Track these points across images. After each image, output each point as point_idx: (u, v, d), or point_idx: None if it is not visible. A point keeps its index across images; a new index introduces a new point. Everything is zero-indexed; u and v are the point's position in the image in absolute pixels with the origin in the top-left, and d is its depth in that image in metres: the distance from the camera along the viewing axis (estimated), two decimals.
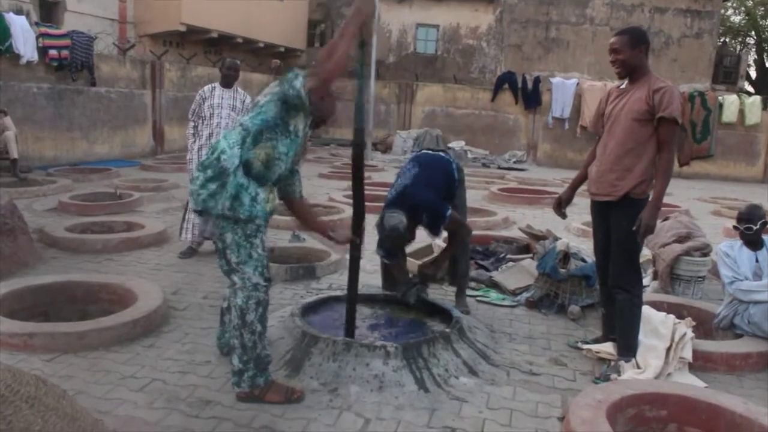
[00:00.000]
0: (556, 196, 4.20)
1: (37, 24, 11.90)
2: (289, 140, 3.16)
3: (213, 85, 6.00)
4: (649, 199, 3.60)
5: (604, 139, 3.76)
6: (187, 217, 5.89)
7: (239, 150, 3.06)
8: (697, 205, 11.25)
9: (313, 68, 3.14)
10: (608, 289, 3.91)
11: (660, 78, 3.62)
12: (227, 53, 19.34)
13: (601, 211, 3.83)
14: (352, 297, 3.76)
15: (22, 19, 10.97)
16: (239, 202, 3.05)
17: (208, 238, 5.92)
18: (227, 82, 5.93)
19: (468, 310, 4.64)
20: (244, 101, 5.98)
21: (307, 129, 3.26)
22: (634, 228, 3.51)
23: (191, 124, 5.96)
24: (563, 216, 4.15)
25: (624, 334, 3.75)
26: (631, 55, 3.57)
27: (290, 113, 3.13)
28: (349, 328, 3.74)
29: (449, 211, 4.26)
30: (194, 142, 5.89)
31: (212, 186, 3.06)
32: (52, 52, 11.39)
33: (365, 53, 3.44)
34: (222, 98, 5.86)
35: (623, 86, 3.74)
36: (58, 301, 4.43)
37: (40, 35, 11.27)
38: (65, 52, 11.58)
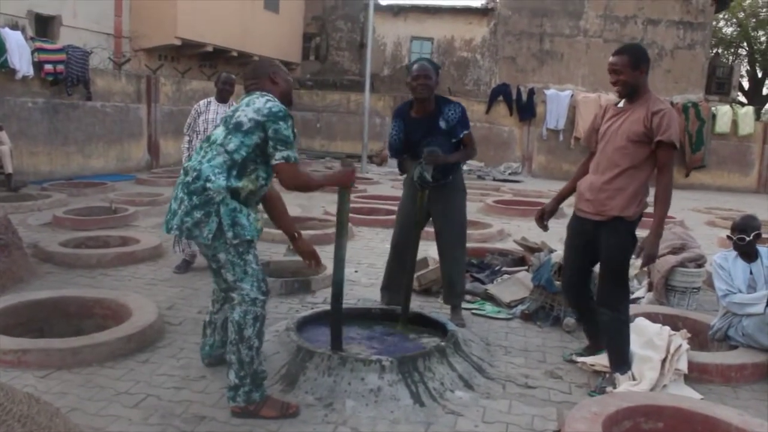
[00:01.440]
0: (539, 208, 4.17)
1: (32, 39, 11.91)
2: (267, 165, 3.20)
3: (208, 99, 5.98)
4: (641, 219, 3.60)
5: (597, 157, 3.70)
6: None
7: (225, 180, 3.05)
8: (691, 216, 11.30)
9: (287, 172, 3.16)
10: (582, 304, 3.96)
11: (659, 98, 3.56)
12: (222, 67, 19.41)
13: (585, 228, 3.75)
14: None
15: (18, 34, 10.98)
16: (240, 226, 3.06)
17: (194, 254, 5.89)
18: (223, 97, 5.92)
19: (463, 323, 4.63)
20: None
21: None
22: (633, 256, 3.50)
23: (186, 138, 5.95)
24: (545, 228, 4.11)
25: (615, 351, 3.74)
26: (632, 75, 3.49)
27: (270, 146, 3.15)
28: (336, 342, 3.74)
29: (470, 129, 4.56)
30: (188, 157, 5.84)
31: (197, 214, 3.03)
32: (48, 67, 11.41)
33: (346, 199, 3.60)
34: (217, 113, 5.83)
35: (620, 105, 3.67)
36: (53, 317, 4.41)
37: (36, 50, 11.28)
38: (61, 67, 11.60)
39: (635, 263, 3.90)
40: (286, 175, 3.12)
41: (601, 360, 3.95)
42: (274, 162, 3.11)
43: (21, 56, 10.76)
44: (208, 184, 3.04)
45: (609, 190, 3.58)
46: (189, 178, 3.10)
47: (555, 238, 7.55)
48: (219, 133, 3.18)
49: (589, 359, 3.99)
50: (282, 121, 3.08)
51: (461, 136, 4.53)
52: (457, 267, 4.74)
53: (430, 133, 4.50)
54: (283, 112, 3.11)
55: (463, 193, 4.75)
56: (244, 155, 3.09)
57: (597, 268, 3.88)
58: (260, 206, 3.47)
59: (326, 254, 6.77)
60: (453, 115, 4.49)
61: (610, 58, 3.58)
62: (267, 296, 3.19)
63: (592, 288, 4.00)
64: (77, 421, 2.80)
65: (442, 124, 4.49)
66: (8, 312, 4.19)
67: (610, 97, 15.43)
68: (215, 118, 5.81)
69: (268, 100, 3.16)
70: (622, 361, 3.74)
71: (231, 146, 3.09)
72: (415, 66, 4.48)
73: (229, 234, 3.04)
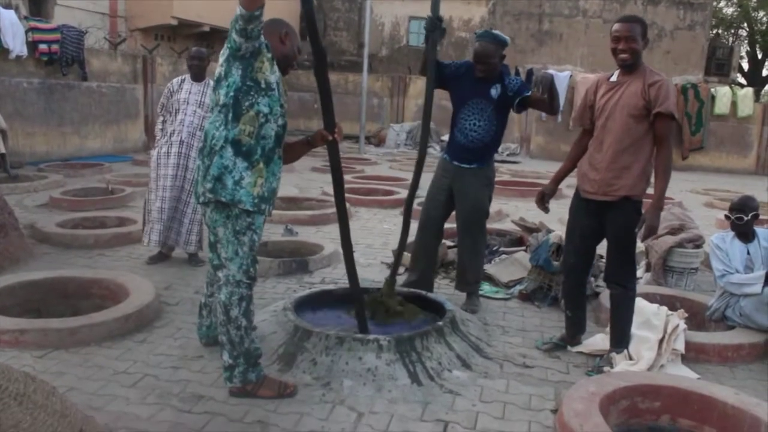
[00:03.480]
0: (539, 189, 4.11)
1: (26, 18, 11.81)
2: (268, 97, 3.03)
3: (182, 77, 5.46)
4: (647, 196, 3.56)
5: (599, 135, 3.61)
6: (148, 219, 5.40)
7: (224, 130, 3.00)
8: (690, 197, 11.28)
9: None
10: (577, 290, 3.94)
11: (653, 70, 3.51)
12: (219, 47, 19.26)
13: (591, 208, 3.69)
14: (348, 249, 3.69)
15: (11, 13, 10.88)
16: (221, 185, 2.99)
17: (172, 247, 5.55)
18: (195, 73, 5.43)
19: (476, 310, 4.57)
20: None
21: (279, 80, 3.14)
22: (636, 230, 3.46)
23: (160, 119, 5.50)
24: (546, 210, 4.05)
25: (618, 327, 3.74)
26: (642, 45, 3.44)
27: (254, 67, 2.98)
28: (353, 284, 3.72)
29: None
30: (160, 138, 5.44)
31: (214, 171, 3.03)
32: (42, 47, 11.33)
33: None
34: (189, 93, 5.35)
35: (613, 78, 3.60)
36: (50, 297, 4.40)
37: (30, 29, 11.20)
38: (55, 47, 11.51)
39: (637, 244, 3.88)
40: None
41: (596, 343, 3.96)
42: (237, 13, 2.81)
43: (15, 36, 10.69)
44: (213, 141, 3.02)
45: (615, 169, 3.52)
46: (201, 144, 3.13)
47: (553, 218, 7.55)
48: (212, 99, 3.12)
49: (585, 347, 3.97)
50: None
51: (527, 94, 4.35)
52: (470, 254, 4.62)
53: (476, 95, 4.39)
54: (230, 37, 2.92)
55: (487, 180, 4.58)
56: (233, 94, 2.98)
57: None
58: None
59: (323, 234, 6.79)
60: (515, 82, 4.40)
61: (619, 26, 3.46)
62: (253, 281, 3.15)
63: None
64: (75, 401, 2.80)
65: (494, 92, 4.37)
66: (5, 292, 4.18)
67: None
68: (187, 99, 5.33)
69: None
70: (622, 337, 3.74)
71: (222, 98, 3.02)
72: (477, 47, 4.34)
73: (208, 185, 2.99)
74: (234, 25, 2.87)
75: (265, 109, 3.03)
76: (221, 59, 3.04)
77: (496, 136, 4.52)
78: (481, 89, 4.40)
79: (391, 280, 4.30)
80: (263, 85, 3.02)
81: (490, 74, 4.37)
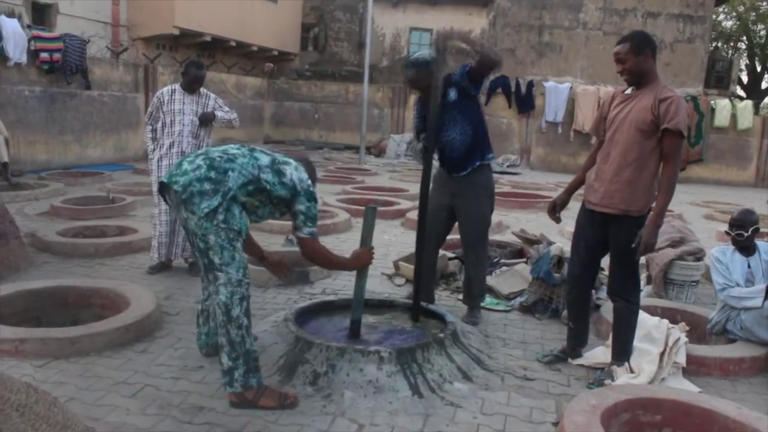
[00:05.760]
0: (551, 200, 4.13)
1: (29, 27, 11.85)
2: (268, 211, 3.38)
3: (172, 87, 5.35)
4: (650, 211, 3.53)
5: (606, 147, 3.63)
6: (158, 232, 5.42)
7: (241, 185, 3.17)
8: (690, 210, 11.29)
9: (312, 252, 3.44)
10: (581, 302, 3.94)
11: (667, 86, 3.49)
12: (221, 57, 19.35)
13: (595, 220, 3.70)
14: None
15: (14, 21, 10.92)
16: (231, 215, 3.13)
17: (171, 260, 5.56)
18: (190, 85, 5.33)
19: (477, 322, 4.55)
20: (214, 108, 5.42)
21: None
22: (633, 245, 3.45)
23: (149, 128, 5.42)
24: (557, 220, 4.04)
25: (620, 340, 3.74)
26: (637, 61, 3.45)
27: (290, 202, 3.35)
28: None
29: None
30: (154, 150, 5.37)
31: (207, 186, 3.10)
32: (44, 55, 11.35)
33: (364, 275, 3.93)
34: (184, 103, 5.29)
35: (628, 91, 3.60)
36: (50, 306, 4.39)
37: (32, 38, 11.23)
38: (57, 56, 11.54)
39: None
40: (311, 248, 3.40)
41: (597, 357, 3.96)
42: (301, 235, 3.34)
43: (16, 44, 10.70)
44: (231, 173, 3.15)
45: (618, 182, 3.52)
46: (217, 155, 3.22)
47: (554, 230, 7.56)
48: (265, 157, 3.32)
49: (586, 360, 3.97)
50: (314, 201, 3.35)
51: (468, 67, 4.31)
52: (475, 269, 4.63)
53: (445, 113, 4.38)
54: (314, 193, 3.38)
55: (487, 192, 4.57)
56: (265, 187, 3.23)
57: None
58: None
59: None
60: (458, 71, 4.37)
61: (615, 48, 3.54)
62: (249, 282, 3.26)
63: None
64: (75, 411, 2.79)
65: (452, 94, 4.39)
66: (5, 301, 4.17)
67: (609, 89, 15.39)
68: (182, 109, 5.27)
69: (307, 178, 3.39)
70: (624, 350, 3.74)
71: (264, 176, 3.23)
72: (409, 74, 4.45)
73: (221, 217, 3.10)
74: (307, 220, 3.33)
75: (261, 213, 3.36)
76: (295, 176, 3.32)
77: (472, 133, 4.44)
78: (444, 104, 4.38)
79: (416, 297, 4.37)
80: (275, 201, 3.33)
81: (428, 91, 4.30)
